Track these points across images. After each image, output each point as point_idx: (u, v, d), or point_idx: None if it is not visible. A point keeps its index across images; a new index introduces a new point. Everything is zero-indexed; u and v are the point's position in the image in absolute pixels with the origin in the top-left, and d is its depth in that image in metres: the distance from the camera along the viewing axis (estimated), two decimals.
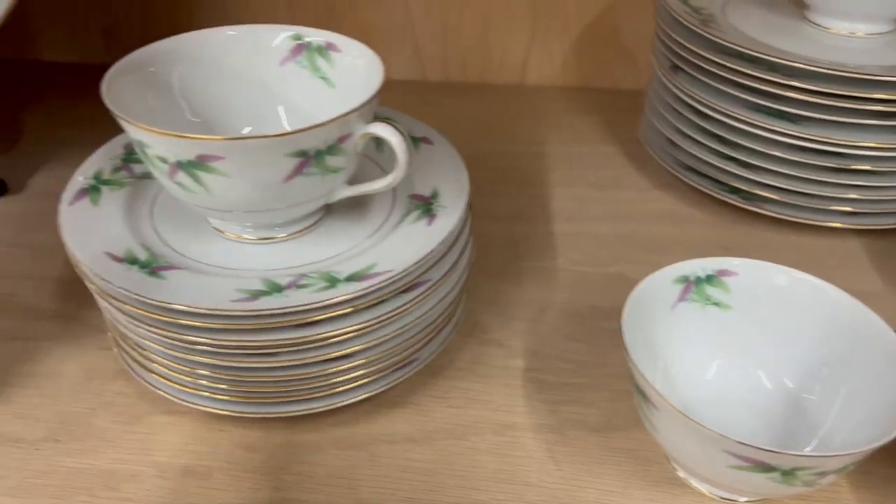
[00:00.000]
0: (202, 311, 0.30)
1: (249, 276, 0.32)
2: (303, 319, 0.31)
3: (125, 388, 0.38)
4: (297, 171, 0.30)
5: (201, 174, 0.30)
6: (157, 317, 0.31)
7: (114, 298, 0.32)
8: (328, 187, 0.33)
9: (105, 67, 0.33)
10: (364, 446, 0.35)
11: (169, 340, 0.32)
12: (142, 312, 0.31)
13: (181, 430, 0.36)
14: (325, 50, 0.37)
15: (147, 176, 0.38)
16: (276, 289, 0.31)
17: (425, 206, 0.36)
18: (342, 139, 0.31)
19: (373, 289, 0.31)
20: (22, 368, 0.39)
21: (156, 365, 0.34)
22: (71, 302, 0.43)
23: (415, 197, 0.37)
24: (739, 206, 0.49)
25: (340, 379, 0.34)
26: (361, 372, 0.34)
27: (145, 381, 0.35)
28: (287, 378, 0.33)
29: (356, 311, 0.31)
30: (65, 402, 0.37)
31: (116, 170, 0.38)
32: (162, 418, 0.36)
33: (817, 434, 0.33)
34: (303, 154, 0.30)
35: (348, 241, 0.35)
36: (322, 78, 0.37)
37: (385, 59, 0.35)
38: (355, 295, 0.31)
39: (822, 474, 0.29)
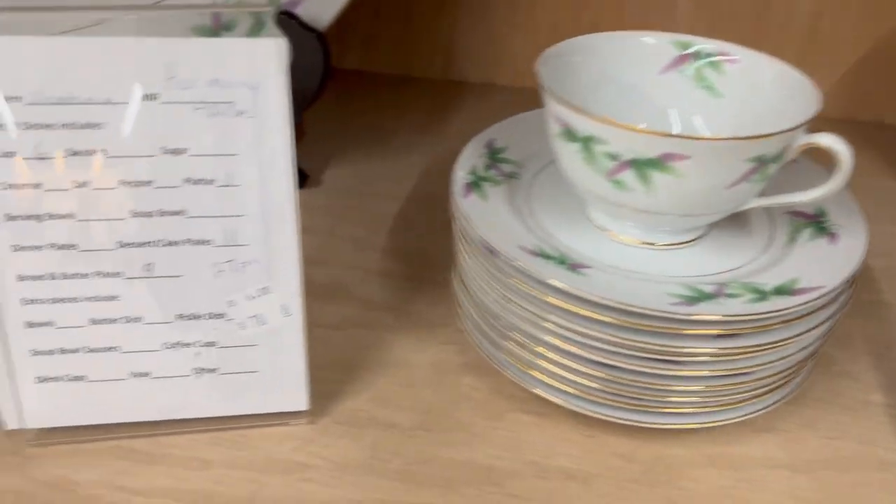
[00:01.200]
0: (638, 310, 0.29)
1: (662, 281, 0.32)
2: (732, 330, 0.30)
3: (476, 384, 0.38)
4: (745, 177, 0.30)
5: (654, 173, 0.29)
6: (582, 312, 0.30)
7: (529, 289, 0.32)
8: (748, 196, 0.32)
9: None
10: (741, 468, 0.34)
11: (567, 334, 0.32)
12: (564, 306, 0.31)
13: (547, 431, 0.35)
14: (718, 62, 0.36)
15: (515, 175, 0.38)
16: (706, 296, 0.30)
17: (816, 224, 0.35)
18: (787, 148, 0.30)
19: (807, 301, 0.30)
20: (374, 355, 0.39)
21: (541, 363, 0.34)
22: (397, 295, 0.43)
23: (797, 215, 0.36)
24: None
25: (727, 397, 0.33)
26: (748, 392, 0.33)
27: (512, 374, 0.35)
28: (672, 388, 0.33)
29: (784, 326, 0.30)
30: (423, 392, 0.37)
31: (487, 168, 0.38)
32: (523, 417, 0.36)
33: None
34: (758, 160, 0.29)
35: (741, 255, 0.34)
36: (706, 87, 0.37)
37: None
38: (790, 306, 0.30)
39: None
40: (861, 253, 0.33)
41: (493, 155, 0.39)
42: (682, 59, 0.37)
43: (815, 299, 0.30)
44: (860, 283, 0.45)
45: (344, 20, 0.69)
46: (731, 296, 0.30)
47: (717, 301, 0.30)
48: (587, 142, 0.31)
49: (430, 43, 0.68)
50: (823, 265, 0.32)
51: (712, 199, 0.31)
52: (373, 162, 0.56)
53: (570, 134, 0.31)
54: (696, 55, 0.36)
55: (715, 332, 0.30)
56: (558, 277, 0.30)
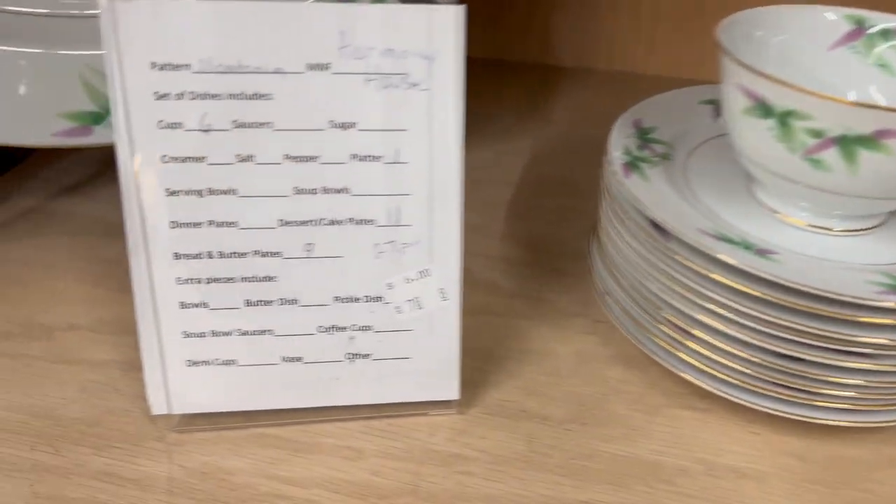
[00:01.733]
0: (841, 298, 0.27)
1: (853, 267, 0.30)
2: None
3: (626, 376, 0.36)
4: None
5: (863, 151, 0.27)
6: (773, 299, 0.28)
7: (713, 275, 0.30)
8: None
9: None
10: None
11: (751, 326, 0.30)
12: (748, 291, 0.29)
13: (709, 426, 0.33)
14: (893, 35, 0.34)
15: (668, 156, 0.36)
16: None
17: None
18: None
19: None
20: (513, 344, 0.38)
21: (705, 352, 0.32)
22: (527, 283, 0.42)
23: None
24: None
25: None
26: None
27: (678, 370, 0.33)
28: (852, 382, 0.31)
29: None
30: (571, 383, 0.35)
31: (639, 148, 0.36)
32: (682, 412, 0.34)
33: None
34: None
35: None
36: (880, 65, 0.34)
37: None
38: None
39: None
40: None
41: (643, 135, 0.37)
42: (854, 35, 0.35)
43: None
44: None
45: None
46: None
47: None
48: (785, 116, 0.28)
49: (525, 26, 0.66)
50: None
51: None
52: (478, 148, 0.54)
53: (763, 109, 0.29)
54: (871, 30, 0.34)
55: None
56: (748, 262, 0.28)
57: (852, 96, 0.34)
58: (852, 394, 0.31)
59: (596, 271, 0.38)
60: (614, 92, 0.63)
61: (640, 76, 0.65)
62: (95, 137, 0.41)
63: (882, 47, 0.34)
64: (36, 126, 0.40)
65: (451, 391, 0.33)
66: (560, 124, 0.59)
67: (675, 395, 0.35)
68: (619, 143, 0.36)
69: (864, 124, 0.27)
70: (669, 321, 0.33)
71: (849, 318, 0.28)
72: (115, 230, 0.43)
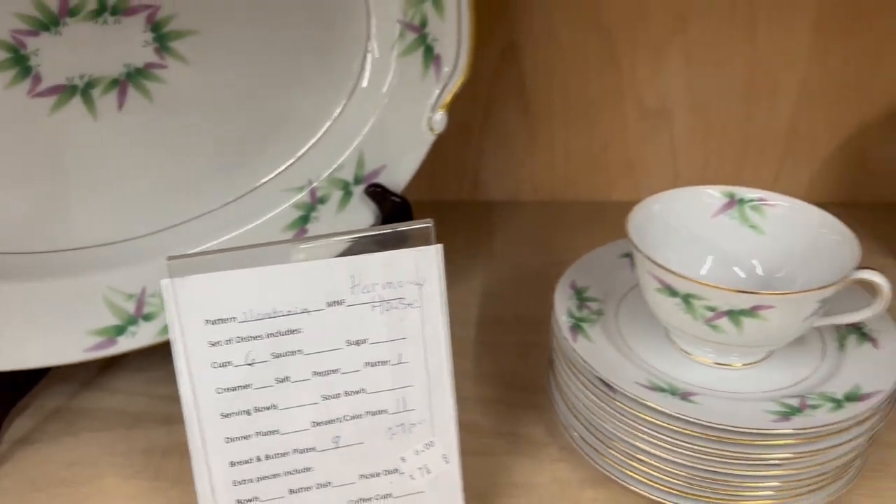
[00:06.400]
0: (746, 430, 0.37)
1: (755, 399, 0.39)
2: (816, 436, 0.37)
3: (598, 495, 0.44)
4: (815, 311, 0.38)
5: (745, 320, 0.37)
6: (694, 433, 0.37)
7: (649, 419, 0.38)
8: (816, 321, 0.40)
9: None
10: None
11: (687, 452, 0.38)
12: (678, 429, 0.38)
13: None
14: (758, 205, 0.45)
15: (601, 312, 0.45)
16: (795, 410, 0.38)
17: (857, 331, 0.43)
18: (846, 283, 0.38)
19: (875, 405, 0.38)
20: (500, 480, 0.45)
21: (648, 470, 0.41)
22: (500, 419, 0.50)
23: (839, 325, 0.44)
24: None
25: (811, 484, 0.40)
26: (825, 476, 0.40)
27: (630, 485, 0.42)
28: (771, 486, 0.39)
29: (857, 425, 0.38)
30: None
31: (579, 308, 0.45)
32: None
33: None
34: (824, 301, 0.37)
35: (805, 367, 0.42)
36: (751, 227, 0.45)
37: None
38: (862, 411, 0.37)
39: None
40: None
41: (580, 295, 0.46)
42: (729, 205, 0.45)
43: (880, 402, 0.38)
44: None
45: None
46: (813, 407, 0.38)
47: (805, 413, 0.37)
48: (687, 297, 0.38)
49: (460, 169, 0.76)
50: (876, 369, 0.40)
51: (790, 331, 0.39)
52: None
53: (670, 290, 0.39)
54: (741, 201, 0.45)
55: (801, 440, 0.37)
56: (675, 408, 0.37)
57: (733, 256, 0.45)
58: (770, 492, 0.40)
59: (556, 406, 0.47)
60: (542, 220, 0.73)
61: (561, 203, 0.76)
62: (119, 347, 0.47)
63: (750, 213, 0.45)
64: (68, 344, 0.46)
65: None
66: (503, 258, 0.68)
67: None
68: (563, 307, 0.45)
69: (744, 302, 0.37)
70: (619, 448, 0.41)
71: (753, 442, 0.37)
72: (140, 422, 0.49)
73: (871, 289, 0.40)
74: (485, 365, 0.55)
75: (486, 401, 0.51)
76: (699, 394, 0.39)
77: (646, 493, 0.42)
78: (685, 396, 0.39)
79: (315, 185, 0.53)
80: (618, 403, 0.40)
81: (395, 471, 0.39)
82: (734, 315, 0.37)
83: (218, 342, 0.35)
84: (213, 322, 0.35)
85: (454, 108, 0.74)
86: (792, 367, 0.42)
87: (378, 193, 0.53)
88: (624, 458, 0.42)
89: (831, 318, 0.41)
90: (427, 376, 0.38)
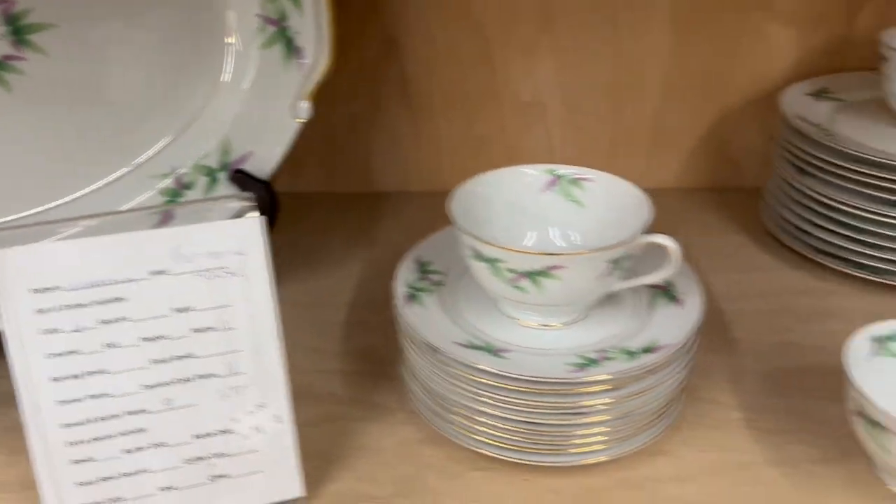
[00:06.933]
0: (546, 379, 0.40)
1: (562, 354, 0.43)
2: (613, 385, 0.41)
3: (435, 452, 0.47)
4: (606, 273, 0.42)
5: (543, 280, 0.41)
6: (504, 386, 0.41)
7: (465, 374, 0.42)
8: (613, 284, 0.44)
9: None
10: (643, 486, 0.45)
11: (501, 405, 0.42)
12: (490, 383, 0.41)
13: (495, 481, 0.45)
14: (578, 181, 0.48)
15: (441, 283, 0.49)
16: (591, 362, 0.41)
17: (666, 293, 0.47)
18: (633, 247, 0.42)
19: (664, 356, 0.41)
20: (348, 442, 0.48)
21: (477, 427, 0.44)
22: (358, 389, 0.53)
23: (653, 287, 0.48)
24: (868, 278, 0.61)
25: (619, 432, 0.44)
26: (638, 426, 0.44)
27: (462, 442, 0.45)
28: (583, 433, 0.43)
29: (647, 375, 0.42)
30: (395, 466, 0.46)
31: (419, 280, 0.49)
32: (476, 473, 0.46)
33: None
34: (614, 260, 0.41)
35: (615, 325, 0.46)
36: (574, 201, 0.49)
37: None
38: (653, 362, 0.41)
39: None
40: (699, 313, 0.45)
41: (423, 269, 0.49)
42: (554, 181, 0.49)
43: (671, 353, 0.42)
44: (715, 324, 0.58)
45: None
46: (610, 359, 0.41)
47: (601, 364, 0.41)
48: (493, 262, 0.42)
49: (350, 161, 0.79)
50: (676, 326, 0.44)
51: (586, 291, 0.42)
52: (315, 276, 0.66)
53: (480, 256, 0.42)
54: (563, 177, 0.49)
55: (603, 387, 0.41)
56: (486, 363, 0.41)
57: (555, 227, 0.48)
58: (591, 440, 0.43)
59: (403, 375, 0.50)
60: (428, 210, 0.76)
61: (446, 193, 0.79)
62: None
63: (571, 188, 0.49)
64: None
65: (297, 490, 0.43)
66: (386, 245, 0.71)
67: (470, 461, 0.46)
68: (403, 279, 0.48)
69: (538, 263, 0.40)
70: (452, 410, 0.45)
71: (556, 391, 0.41)
72: None
73: (665, 252, 0.44)
74: (351, 342, 0.57)
75: (347, 373, 0.54)
76: (512, 350, 0.43)
77: (477, 449, 0.45)
78: (497, 353, 0.42)
79: (180, 172, 0.55)
80: (441, 363, 0.43)
81: (229, 431, 0.41)
82: (533, 276, 0.41)
83: (45, 310, 0.37)
84: (39, 291, 0.37)
85: (344, 103, 0.78)
86: (605, 326, 0.46)
87: (242, 179, 0.56)
88: (455, 417, 0.45)
89: (633, 281, 0.45)
90: (254, 342, 0.41)
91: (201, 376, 0.40)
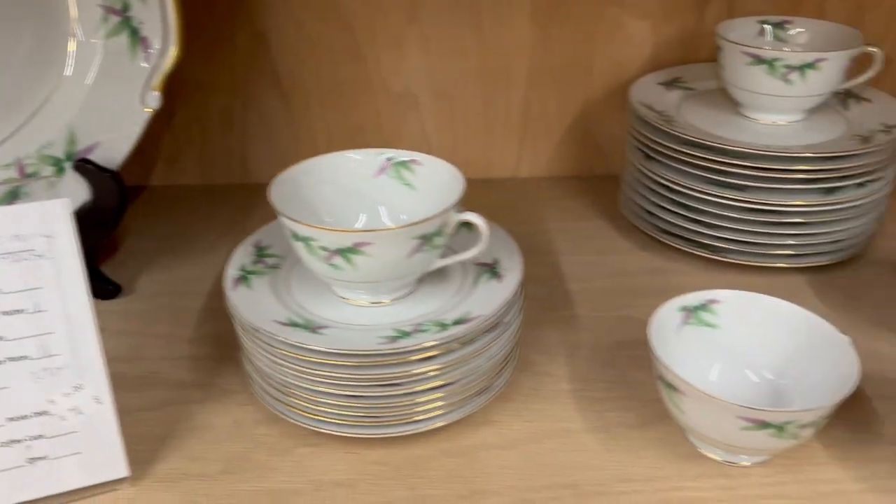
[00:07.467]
0: (357, 352, 0.41)
1: (380, 328, 0.44)
2: (424, 354, 0.43)
3: (270, 431, 0.48)
4: (417, 249, 0.43)
5: (353, 257, 0.42)
6: (321, 360, 0.42)
7: (284, 351, 0.43)
8: (431, 260, 0.45)
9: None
10: (465, 454, 0.47)
11: (322, 379, 0.43)
12: (308, 358, 0.42)
13: (323, 456, 0.46)
14: (409, 164, 0.50)
15: (277, 266, 0.50)
16: (404, 334, 0.43)
17: (491, 270, 0.49)
18: (445, 224, 0.44)
19: (473, 328, 0.43)
20: (184, 424, 0.49)
21: (304, 404, 0.45)
22: (204, 373, 0.53)
23: (481, 264, 0.50)
24: (707, 257, 0.64)
25: (443, 402, 0.46)
26: (459, 397, 0.46)
27: (291, 418, 0.46)
28: (404, 404, 0.45)
29: (461, 346, 0.44)
30: (227, 445, 0.47)
31: (254, 263, 0.50)
32: (306, 449, 0.47)
33: (794, 406, 0.46)
34: (422, 237, 0.43)
35: (439, 300, 0.47)
36: (407, 185, 0.50)
37: None
38: (461, 333, 0.43)
39: (803, 426, 0.41)
40: (515, 287, 0.47)
41: (260, 252, 0.50)
42: (386, 165, 0.50)
43: (482, 324, 0.44)
44: (561, 302, 0.61)
45: (147, 145, 0.79)
46: (422, 331, 0.43)
47: (412, 337, 0.43)
48: (307, 240, 0.43)
49: (226, 153, 0.79)
50: (491, 299, 0.46)
51: (399, 267, 0.44)
52: (182, 266, 0.66)
53: (296, 236, 0.43)
54: (394, 161, 0.50)
55: (415, 357, 0.43)
56: (301, 338, 0.42)
57: (385, 209, 0.50)
58: (412, 411, 0.45)
59: (241, 358, 0.51)
60: None
61: None
62: None
63: (403, 172, 0.50)
64: None
65: (121, 471, 0.44)
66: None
67: (301, 437, 0.48)
68: (236, 262, 0.49)
69: (346, 241, 0.42)
70: (283, 389, 0.46)
71: (372, 363, 0.42)
72: None
73: (476, 230, 0.46)
74: (204, 328, 0.58)
75: (196, 358, 0.55)
76: (331, 327, 0.44)
77: (303, 424, 0.46)
78: (316, 329, 0.44)
79: (24, 162, 0.55)
80: (263, 342, 0.44)
81: (46, 413, 0.42)
82: (344, 253, 0.42)
83: None
84: None
85: (217, 97, 0.78)
86: (430, 301, 0.47)
87: (88, 169, 0.56)
88: (281, 394, 0.46)
89: (452, 258, 0.47)
90: (68, 324, 0.41)
91: (12, 359, 0.40)
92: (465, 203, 0.48)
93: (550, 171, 0.82)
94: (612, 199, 0.74)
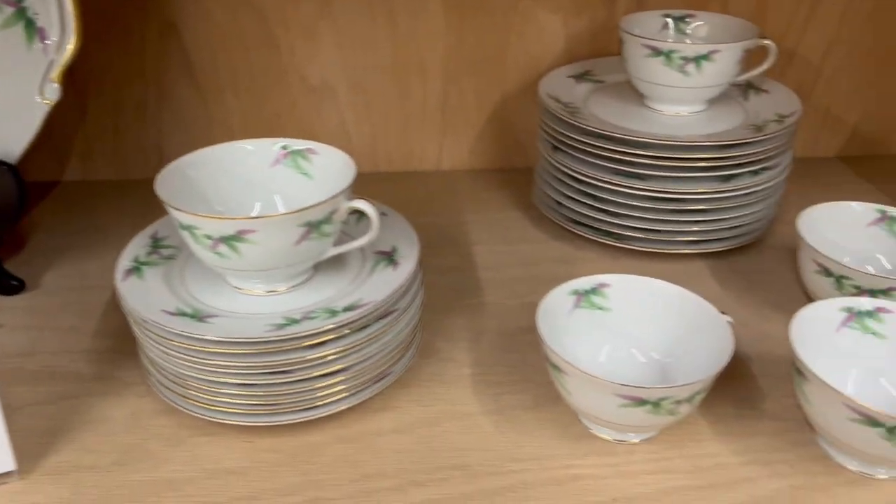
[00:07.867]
0: (243, 340, 0.42)
1: (271, 316, 0.44)
2: (314, 341, 0.43)
3: (167, 422, 0.48)
4: (304, 237, 0.44)
5: (238, 244, 0.42)
6: (209, 350, 0.42)
7: (173, 341, 0.43)
8: (323, 248, 0.46)
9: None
10: (360, 439, 0.47)
11: (212, 369, 0.43)
12: (197, 348, 0.42)
13: (218, 445, 0.47)
14: (305, 153, 0.50)
15: (172, 257, 0.50)
16: (293, 321, 0.43)
17: (389, 258, 0.50)
18: (333, 212, 0.44)
19: (363, 314, 0.44)
20: (80, 417, 0.48)
21: (197, 394, 0.45)
22: (104, 366, 0.53)
23: (379, 253, 0.50)
24: (613, 245, 0.66)
25: (338, 389, 0.46)
26: (354, 383, 0.47)
27: (186, 409, 0.46)
28: (297, 391, 0.45)
29: (352, 332, 0.44)
30: (121, 437, 0.47)
31: (149, 254, 0.49)
32: (201, 439, 0.47)
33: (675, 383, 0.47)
34: (308, 224, 0.43)
35: (335, 288, 0.48)
36: (303, 174, 0.50)
37: None
38: (351, 319, 0.43)
39: (679, 402, 0.43)
40: (409, 274, 0.47)
41: (156, 244, 0.50)
42: (282, 154, 0.51)
43: (371, 311, 0.44)
44: (470, 291, 0.62)
45: (59, 139, 0.78)
46: (311, 318, 0.44)
47: (301, 324, 0.43)
48: (191, 229, 0.43)
49: (141, 147, 0.78)
50: (383, 286, 0.46)
51: (287, 255, 0.44)
52: (91, 260, 0.65)
53: (181, 224, 0.43)
54: (290, 150, 0.51)
55: (305, 344, 0.43)
56: (190, 329, 0.42)
57: (280, 198, 0.50)
58: (306, 398, 0.45)
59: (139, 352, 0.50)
60: None
61: None
62: None
63: (298, 161, 0.51)
64: None
65: (7, 464, 0.43)
66: None
67: (197, 427, 0.48)
68: (130, 253, 0.49)
69: (228, 228, 0.42)
70: (176, 380, 0.46)
71: (259, 351, 0.43)
72: None
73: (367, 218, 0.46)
74: (108, 321, 0.57)
75: (97, 352, 0.54)
76: (220, 316, 0.44)
77: (195, 414, 0.46)
78: (203, 319, 0.44)
79: None
80: (151, 332, 0.44)
81: None
82: (228, 241, 0.42)
83: None
84: None
85: (130, 90, 0.77)
86: (326, 289, 0.48)
87: None
88: (173, 384, 0.46)
89: (345, 245, 0.47)
90: None
91: None
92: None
93: (472, 164, 0.83)
94: (528, 191, 0.76)
